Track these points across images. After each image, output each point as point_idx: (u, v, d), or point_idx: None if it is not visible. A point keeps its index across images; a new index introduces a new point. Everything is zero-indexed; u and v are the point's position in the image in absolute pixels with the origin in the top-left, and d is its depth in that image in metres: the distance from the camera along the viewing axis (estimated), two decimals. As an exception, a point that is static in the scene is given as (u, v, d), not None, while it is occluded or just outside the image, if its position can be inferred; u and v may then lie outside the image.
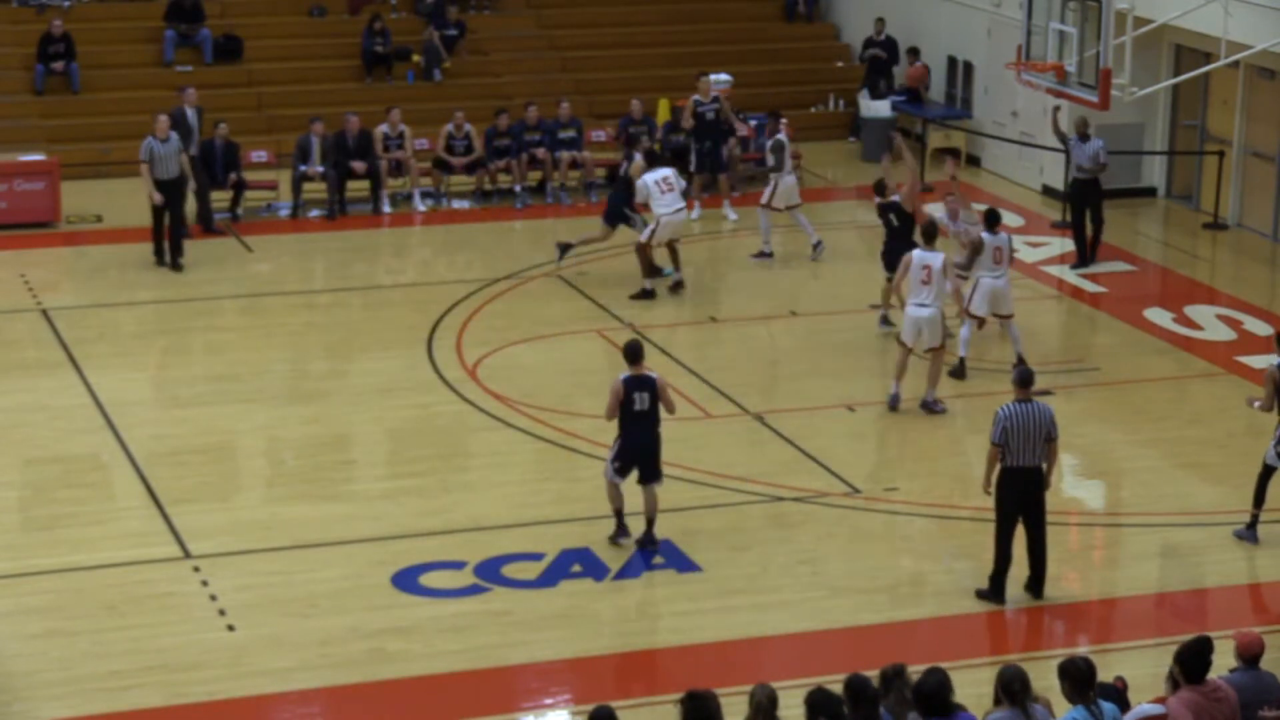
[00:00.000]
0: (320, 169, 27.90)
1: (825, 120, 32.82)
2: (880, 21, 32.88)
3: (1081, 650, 15.83)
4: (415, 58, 32.22)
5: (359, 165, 28.15)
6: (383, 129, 28.57)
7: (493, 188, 29.15)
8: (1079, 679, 11.57)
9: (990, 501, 16.74)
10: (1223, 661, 12.48)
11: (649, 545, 17.38)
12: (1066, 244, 27.36)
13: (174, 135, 25.57)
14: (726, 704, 11.14)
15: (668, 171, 24.82)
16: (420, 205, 28.66)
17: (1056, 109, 26.76)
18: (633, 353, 17.28)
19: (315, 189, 28.38)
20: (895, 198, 22.87)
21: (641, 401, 17.15)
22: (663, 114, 30.66)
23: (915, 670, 11.65)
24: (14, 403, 20.93)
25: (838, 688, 11.27)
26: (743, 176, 29.96)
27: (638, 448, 17.28)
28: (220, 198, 27.74)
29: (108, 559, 17.17)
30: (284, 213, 27.99)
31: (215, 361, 22.49)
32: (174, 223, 25.56)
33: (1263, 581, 17.19)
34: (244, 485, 19.22)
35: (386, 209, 28.36)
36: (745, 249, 26.86)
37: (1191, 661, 11.99)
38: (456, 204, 29.03)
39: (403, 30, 32.72)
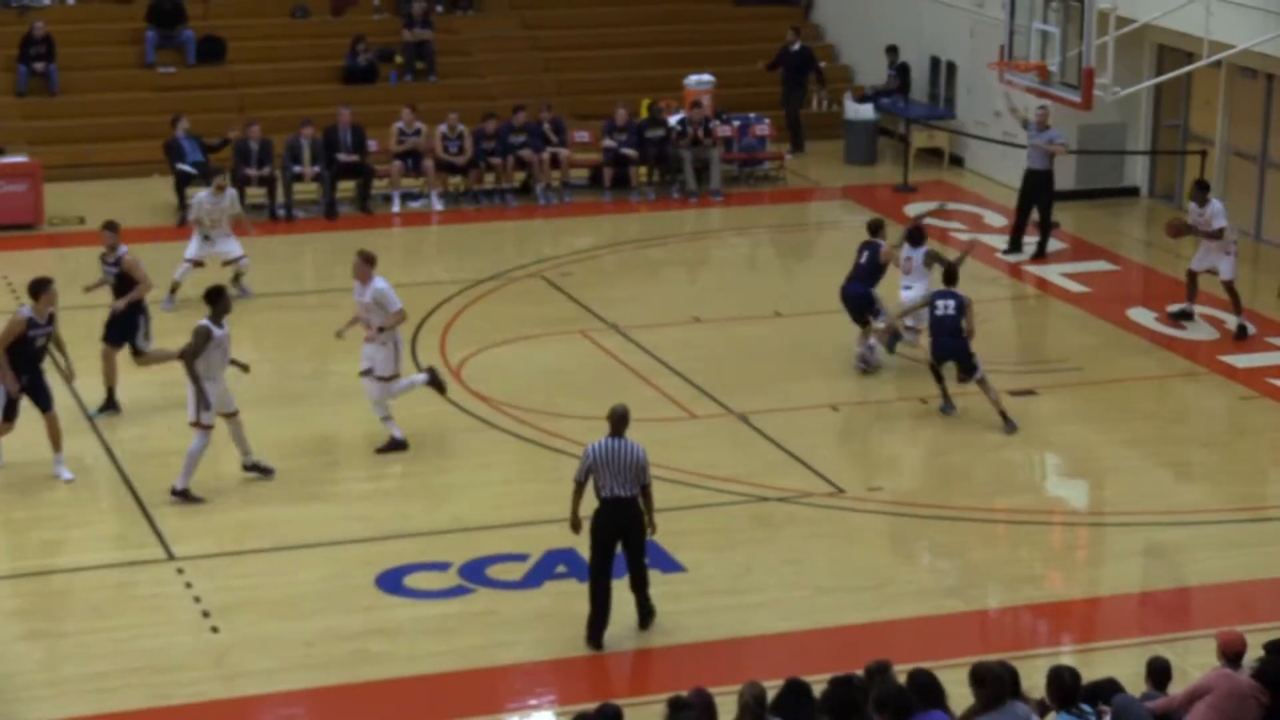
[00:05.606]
0: (315, 168, 27.95)
1: (810, 121, 32.78)
2: (893, 52, 32.63)
3: (1065, 649, 15.89)
4: (398, 59, 32.19)
5: (348, 158, 28.11)
6: (398, 125, 28.54)
7: (479, 188, 29.14)
8: (1062, 690, 11.67)
9: (979, 497, 18.27)
10: (1206, 661, 12.52)
11: None
12: (1051, 243, 27.41)
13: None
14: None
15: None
16: (433, 206, 28.64)
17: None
18: None
19: (305, 189, 28.38)
20: (880, 241, 22.28)
21: None
22: (642, 115, 30.58)
23: (901, 670, 11.67)
24: (-3, 405, 20.85)
25: (826, 688, 11.29)
26: (728, 177, 30.09)
27: None
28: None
29: (91, 561, 17.14)
30: (279, 213, 27.95)
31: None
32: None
33: (1246, 580, 17.20)
34: (227, 487, 19.18)
35: (375, 210, 28.39)
36: (731, 248, 26.85)
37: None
38: (440, 205, 28.98)
39: (387, 31, 32.67)
